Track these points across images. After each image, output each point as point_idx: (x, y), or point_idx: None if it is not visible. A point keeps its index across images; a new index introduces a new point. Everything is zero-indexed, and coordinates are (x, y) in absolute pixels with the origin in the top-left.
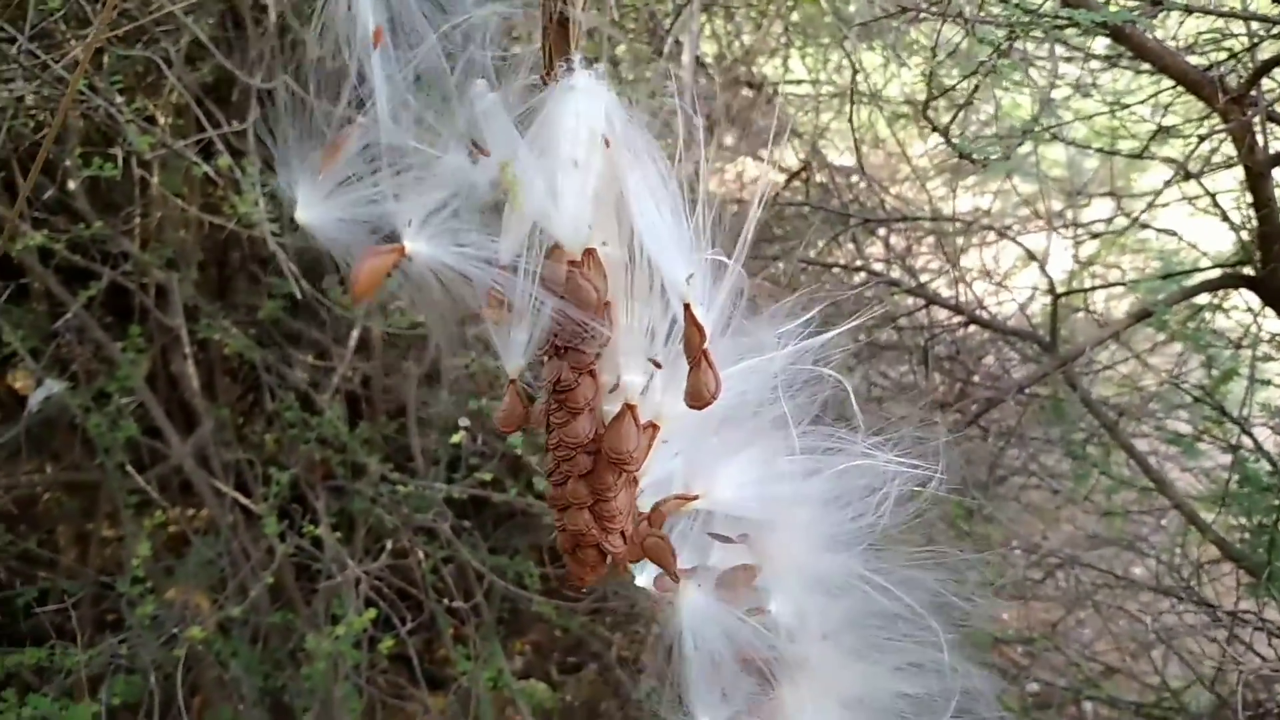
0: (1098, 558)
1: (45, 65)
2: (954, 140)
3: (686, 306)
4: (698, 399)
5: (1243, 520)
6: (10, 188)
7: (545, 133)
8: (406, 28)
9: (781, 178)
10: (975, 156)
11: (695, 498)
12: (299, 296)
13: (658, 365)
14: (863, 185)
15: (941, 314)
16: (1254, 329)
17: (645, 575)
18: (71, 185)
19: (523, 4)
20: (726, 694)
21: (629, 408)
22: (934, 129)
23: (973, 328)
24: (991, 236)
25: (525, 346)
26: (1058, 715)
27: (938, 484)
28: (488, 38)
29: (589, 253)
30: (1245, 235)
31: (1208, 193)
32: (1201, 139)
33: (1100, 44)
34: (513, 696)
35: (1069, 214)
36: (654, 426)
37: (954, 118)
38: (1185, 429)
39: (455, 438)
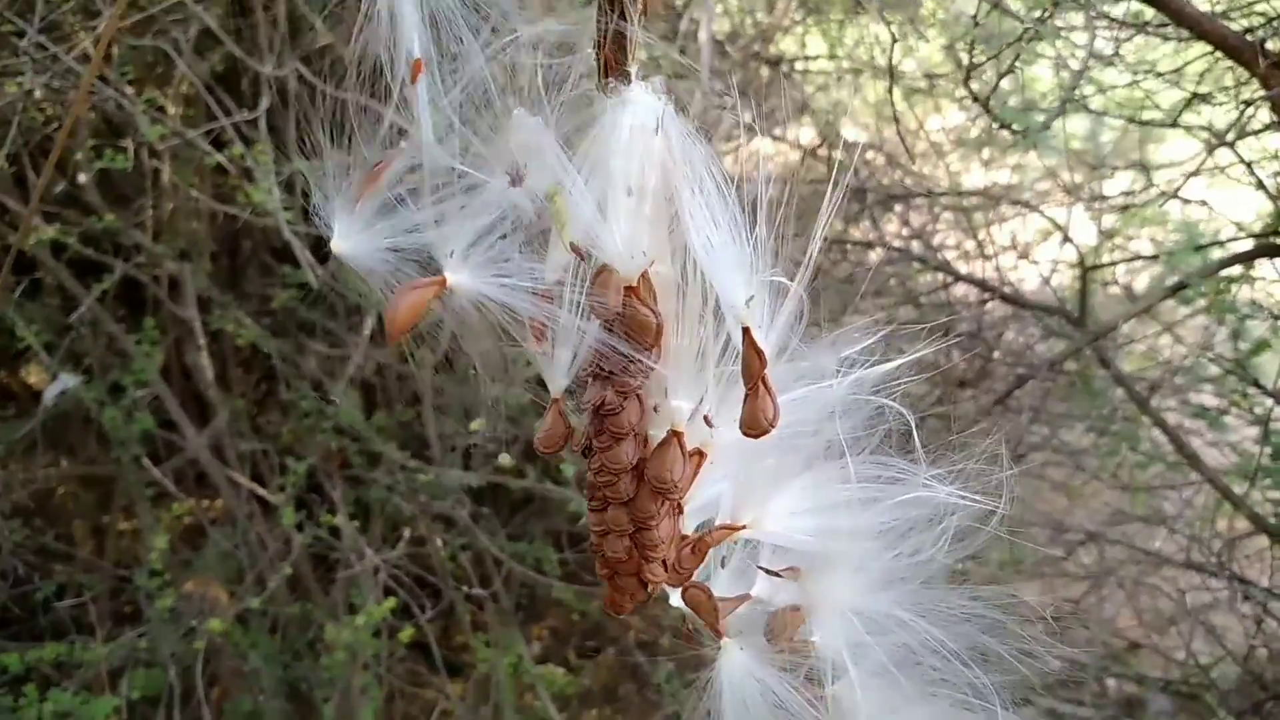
0: (1122, 534)
1: (55, 57)
2: (994, 111)
3: (746, 331)
4: (755, 427)
5: (1274, 494)
6: (21, 181)
7: (597, 150)
8: (453, 43)
9: (797, 155)
10: (1014, 126)
11: (742, 527)
12: (314, 285)
13: (709, 424)
14: (881, 162)
15: (961, 291)
16: None
17: (676, 597)
18: (83, 179)
19: (574, 22)
20: None
21: (675, 434)
22: (974, 99)
23: (993, 304)
24: (1012, 211)
25: (569, 365)
26: (1082, 693)
27: (1000, 520)
28: (538, 57)
29: (644, 275)
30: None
31: (1243, 160)
32: (1246, 105)
33: (1130, 10)
34: (531, 682)
35: (1091, 187)
36: (700, 454)
37: (993, 88)
38: (1211, 403)
39: (474, 425)
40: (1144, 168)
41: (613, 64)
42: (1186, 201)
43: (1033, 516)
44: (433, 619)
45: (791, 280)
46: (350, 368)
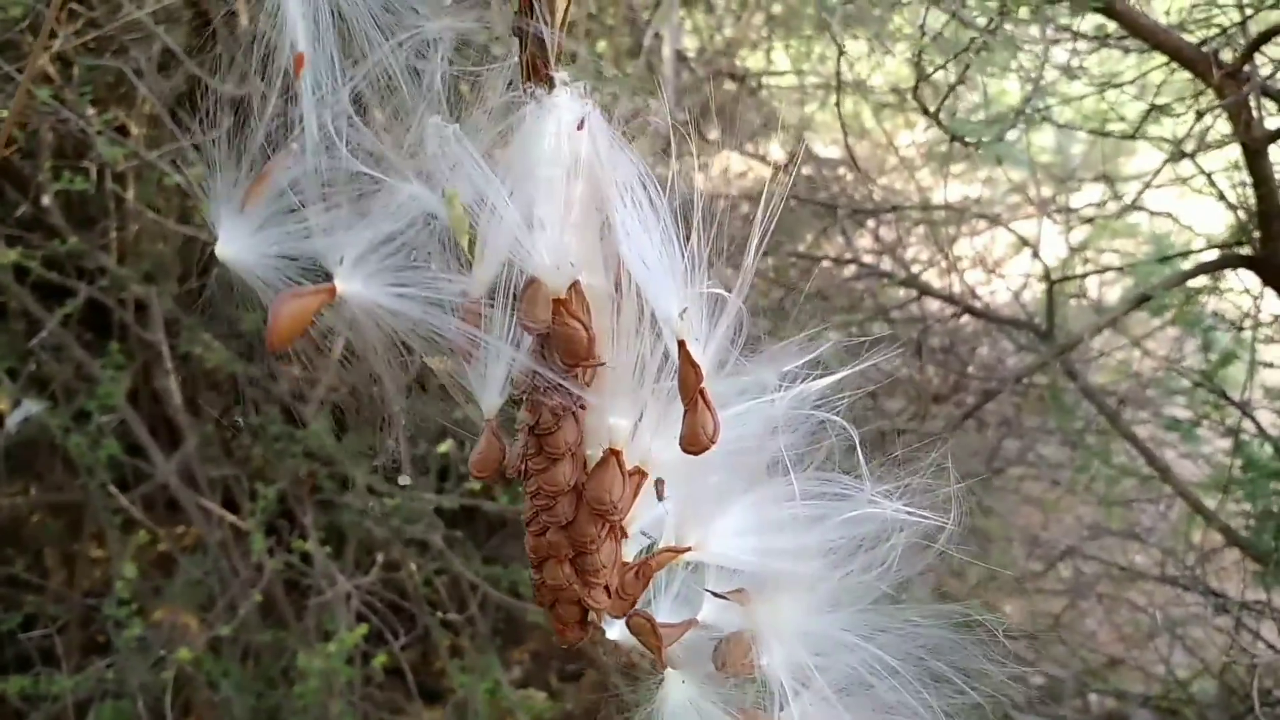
0: (1099, 548)
1: (9, 77)
2: (944, 123)
3: (681, 344)
4: (694, 443)
5: (1246, 506)
6: None
7: (521, 158)
8: (356, 36)
9: (768, 171)
10: (967, 139)
11: (687, 550)
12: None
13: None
14: (850, 177)
15: (934, 305)
16: (1253, 311)
17: (616, 628)
18: (46, 201)
19: (477, 20)
20: None
21: (613, 453)
22: (924, 112)
23: (966, 319)
24: (982, 225)
25: (502, 383)
26: (1063, 708)
27: (950, 535)
28: (443, 54)
29: (574, 286)
30: (1242, 215)
31: (1203, 172)
32: (1200, 115)
33: (1089, 24)
34: (511, 707)
35: (1059, 199)
36: (640, 473)
37: (944, 99)
38: (1183, 414)
39: (443, 447)
40: (1110, 180)
41: (536, 69)
42: (1154, 214)
43: (1009, 532)
44: (408, 645)
45: (731, 292)
46: (320, 390)
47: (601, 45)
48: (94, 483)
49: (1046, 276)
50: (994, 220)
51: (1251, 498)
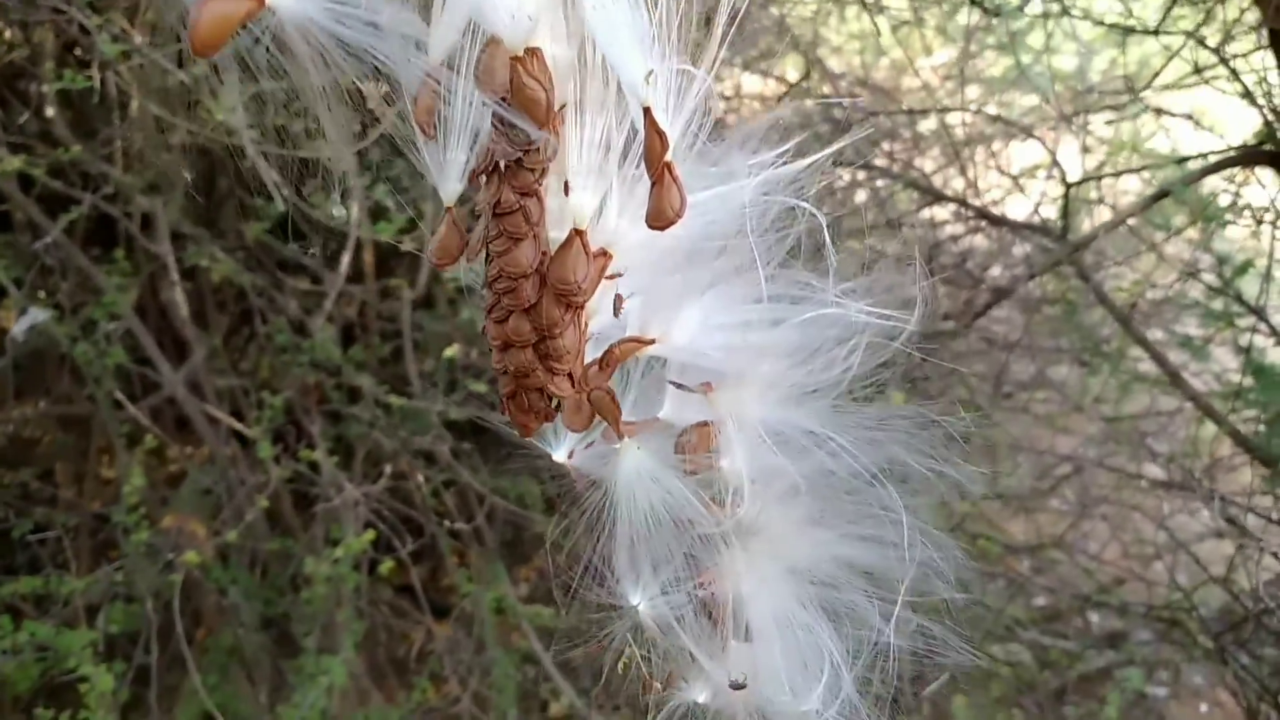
0: (1107, 466)
1: None
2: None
3: (647, 111)
4: (660, 218)
5: (1255, 414)
6: None
7: None
8: None
9: (780, 88)
10: (988, 6)
11: (651, 341)
12: (282, 206)
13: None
14: (866, 95)
15: (946, 217)
16: (1273, 210)
17: (562, 449)
18: (50, 112)
19: None
20: (658, 565)
21: (577, 233)
22: None
23: (979, 238)
24: (998, 143)
25: (462, 167)
26: (1064, 627)
27: (910, 336)
28: None
29: (534, 52)
30: (1268, 114)
31: (1226, 63)
32: None
33: None
34: (517, 620)
35: (1079, 115)
36: (605, 255)
37: None
38: (1196, 333)
39: (449, 352)
40: (1131, 88)
41: None
42: (1174, 115)
43: (1017, 450)
44: (416, 555)
45: (700, 70)
46: (328, 303)
47: None
48: (101, 392)
49: (1064, 180)
50: (1009, 123)
51: (1261, 404)
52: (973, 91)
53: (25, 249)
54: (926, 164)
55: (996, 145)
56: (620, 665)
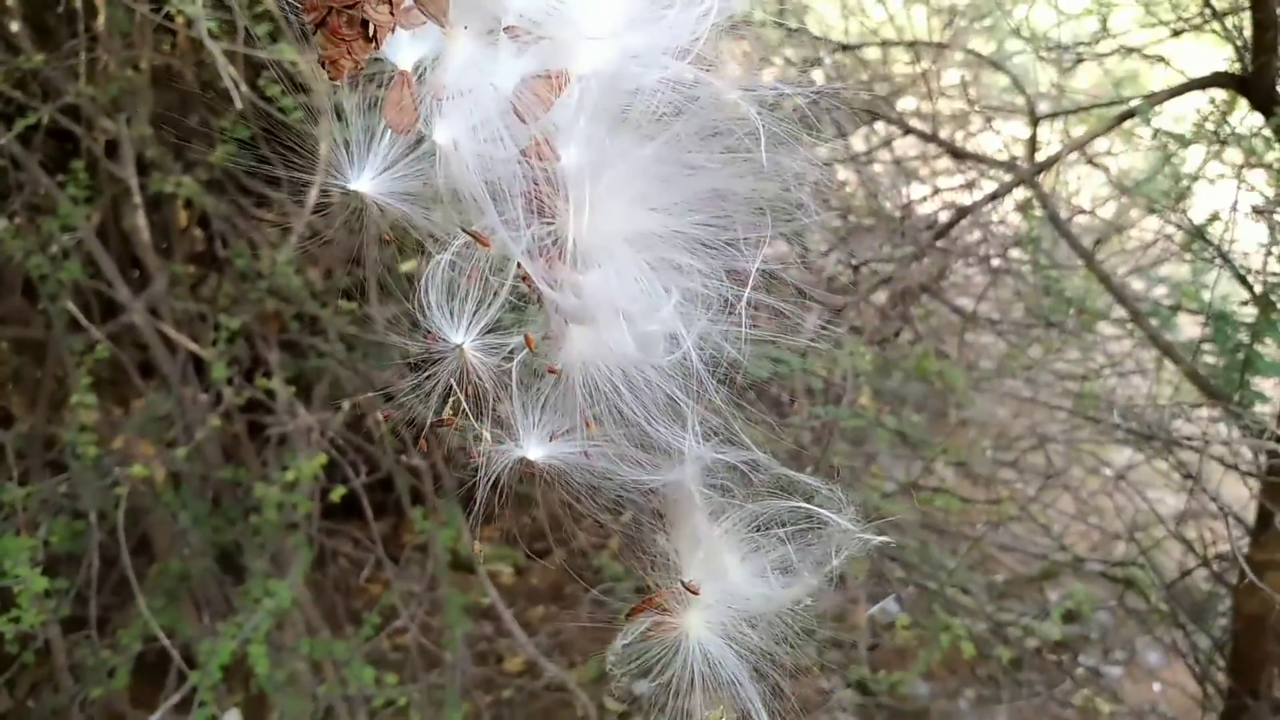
0: (1069, 436)
1: None
2: None
3: None
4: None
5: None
6: None
7: None
8: None
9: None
10: None
11: None
12: (239, 104)
13: None
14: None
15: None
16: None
17: (364, 177)
18: (14, 27)
19: None
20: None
21: None
22: None
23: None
24: (969, 70)
25: None
26: (1023, 601)
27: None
28: None
29: None
30: (1236, 40)
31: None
32: None
33: None
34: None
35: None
36: None
37: None
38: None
39: (406, 266)
40: (1104, 22)
41: None
42: (1146, 57)
43: (983, 427)
44: (378, 506)
45: None
46: (294, 238)
47: None
48: (56, 309)
49: (1031, 113)
50: (979, 56)
51: (1220, 341)
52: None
53: None
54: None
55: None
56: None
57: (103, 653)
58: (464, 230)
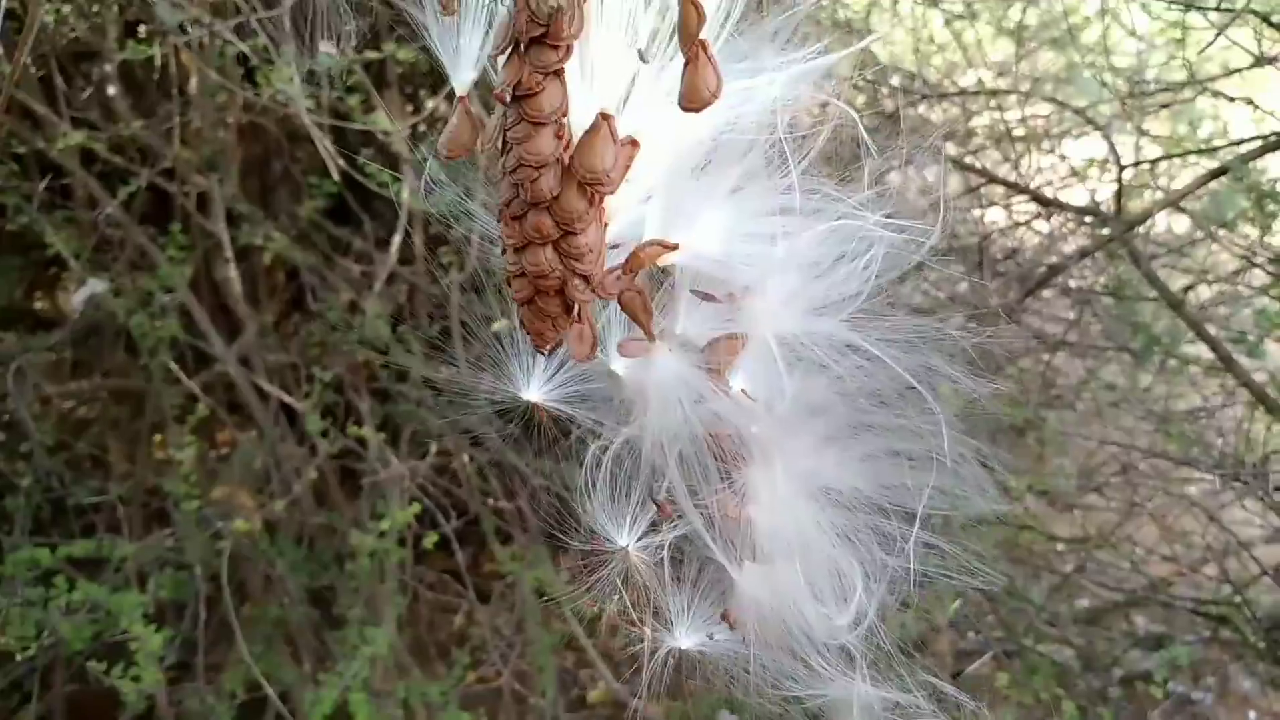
0: (1153, 467)
1: None
2: None
3: None
4: (695, 98)
5: None
6: (47, 84)
7: None
8: None
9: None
10: None
11: (675, 246)
12: (334, 175)
13: (644, 60)
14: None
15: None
16: None
17: (533, 388)
18: (111, 90)
19: None
20: (685, 473)
21: (605, 118)
22: None
23: (1031, 235)
24: (1053, 135)
25: (477, 54)
26: (1109, 628)
27: (930, 249)
28: None
29: None
30: None
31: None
32: None
33: None
34: (558, 607)
35: (1134, 94)
36: (633, 143)
37: None
38: (1251, 331)
39: (497, 325)
40: (1189, 68)
41: None
42: (1230, 99)
43: (1064, 448)
44: (460, 538)
45: None
46: (378, 284)
47: None
48: (155, 363)
49: (1118, 164)
50: (1064, 106)
51: None
52: (1025, 85)
53: (85, 223)
54: (978, 153)
55: (1051, 137)
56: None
57: (207, 698)
58: (651, 499)
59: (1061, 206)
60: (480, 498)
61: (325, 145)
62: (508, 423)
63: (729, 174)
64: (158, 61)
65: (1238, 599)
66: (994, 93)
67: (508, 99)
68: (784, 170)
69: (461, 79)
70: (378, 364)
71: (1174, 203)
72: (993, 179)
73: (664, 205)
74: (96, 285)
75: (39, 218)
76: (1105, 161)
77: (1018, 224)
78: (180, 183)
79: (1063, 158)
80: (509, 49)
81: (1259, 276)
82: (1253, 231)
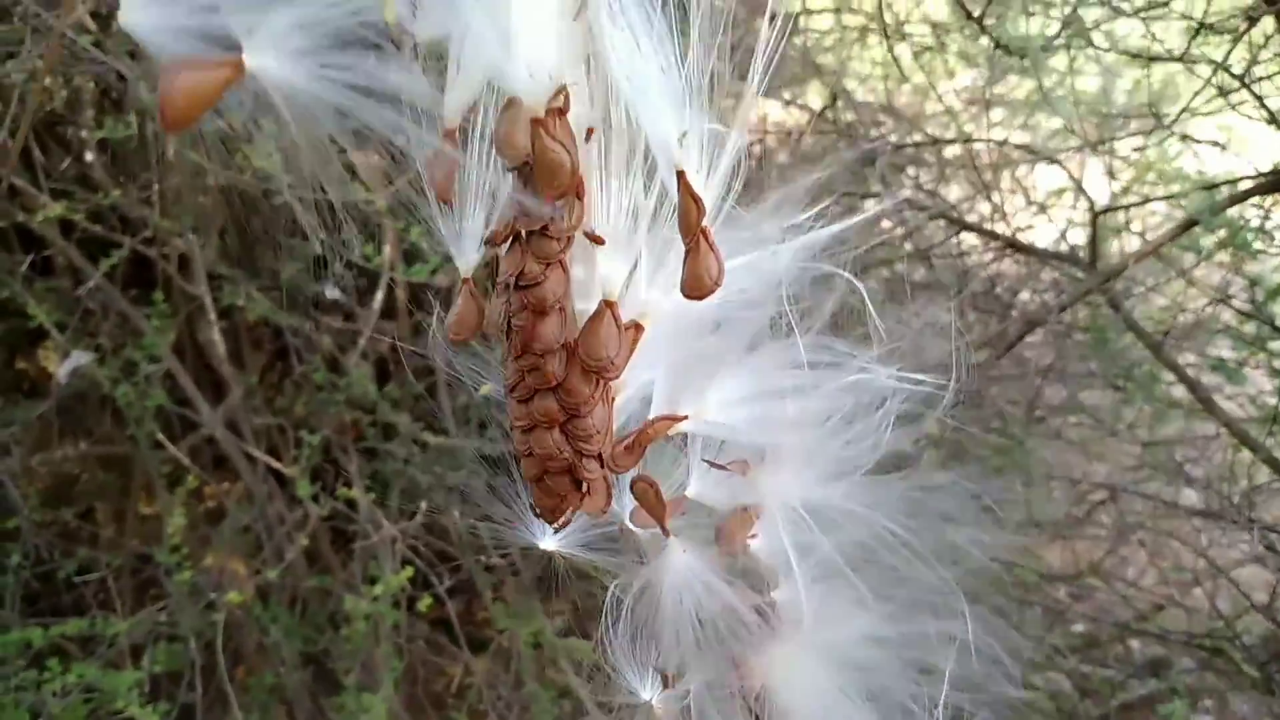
0: (1143, 490)
1: (50, 27)
2: (991, 30)
3: (680, 175)
4: (697, 287)
5: None
6: (25, 156)
7: None
8: None
9: (804, 116)
10: (1012, 48)
11: (684, 418)
12: (318, 250)
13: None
14: (890, 122)
15: (975, 244)
16: None
17: (549, 537)
18: (89, 156)
19: None
20: (698, 660)
21: (608, 304)
22: (968, 17)
23: (1008, 263)
24: (1023, 170)
25: (480, 235)
26: (1105, 654)
27: (950, 405)
28: None
29: (556, 111)
30: None
31: (1252, 93)
32: (1252, 20)
33: None
34: (554, 656)
35: (1103, 138)
36: (637, 327)
37: (987, 3)
38: (1229, 355)
39: (484, 390)
40: (1155, 111)
41: None
42: (1198, 142)
43: (1051, 476)
44: (453, 591)
45: (734, 130)
46: (362, 341)
47: None
48: (142, 433)
49: (1091, 209)
50: (1034, 152)
51: None
52: (997, 114)
53: (67, 293)
54: (953, 190)
55: (1022, 169)
56: None
57: None
58: (658, 672)
59: (1037, 254)
60: (473, 553)
61: (307, 220)
62: (495, 474)
63: (737, 341)
64: (135, 130)
65: (1229, 634)
66: (968, 140)
67: (511, 287)
68: (791, 335)
69: (465, 261)
70: (365, 422)
71: (1149, 253)
72: (967, 226)
73: (671, 377)
74: (81, 357)
75: (21, 291)
76: (1077, 193)
77: (994, 257)
78: (161, 245)
79: (1031, 200)
80: (510, 237)
81: (1232, 306)
82: (1225, 258)
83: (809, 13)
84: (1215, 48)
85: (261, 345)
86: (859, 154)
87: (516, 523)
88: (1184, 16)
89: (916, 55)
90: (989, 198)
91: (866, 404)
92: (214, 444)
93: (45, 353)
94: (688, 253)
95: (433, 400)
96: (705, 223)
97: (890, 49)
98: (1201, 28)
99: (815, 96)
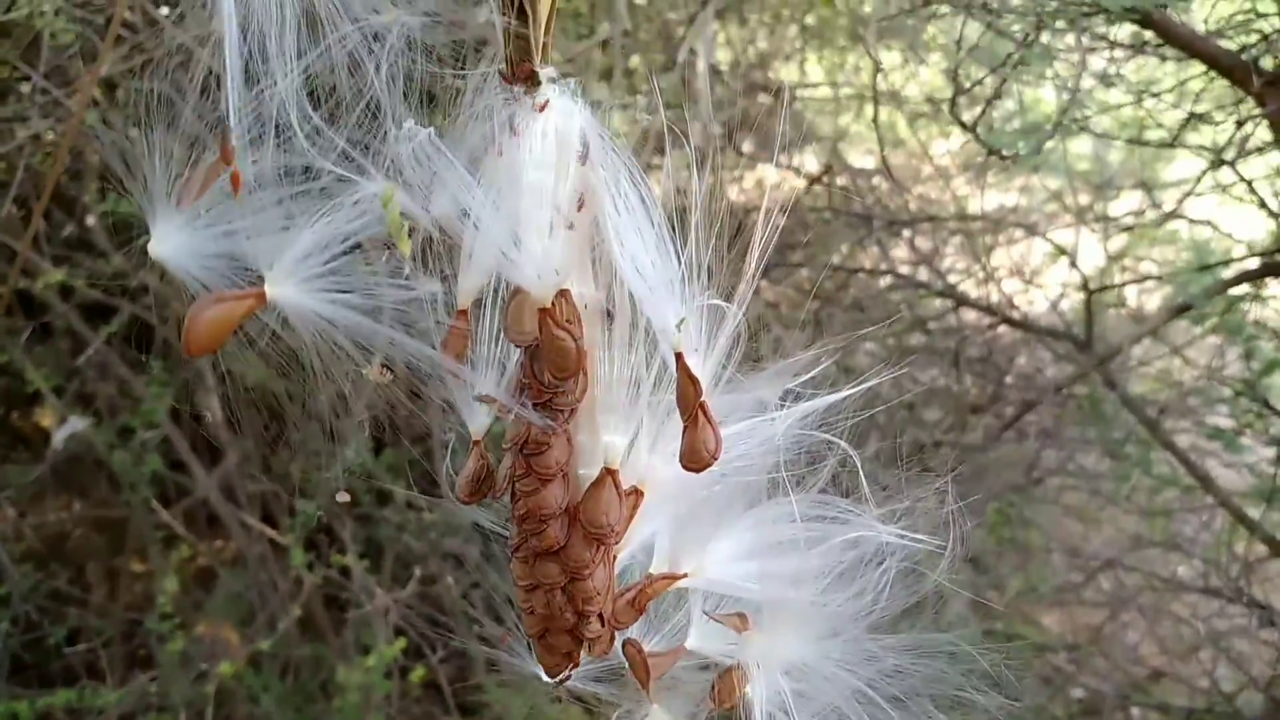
0: (1141, 560)
1: (58, 102)
2: (981, 136)
3: (679, 356)
4: (695, 460)
5: None
6: (27, 220)
7: (507, 161)
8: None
9: (802, 183)
10: (1005, 151)
11: (683, 576)
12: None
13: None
14: (886, 187)
15: (971, 316)
16: None
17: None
18: (91, 221)
19: (426, 14)
20: None
21: (609, 473)
22: (961, 126)
23: (1004, 328)
24: (1019, 234)
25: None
26: None
27: (949, 560)
28: (391, 48)
29: (562, 295)
30: None
31: (1243, 179)
32: (1239, 124)
33: (1125, 32)
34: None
35: (1097, 208)
36: (638, 493)
37: (981, 113)
38: (1225, 424)
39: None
40: (1148, 188)
41: (519, 66)
42: (1193, 222)
43: (1049, 543)
44: (445, 659)
45: (732, 306)
46: (358, 407)
47: (635, 61)
48: (137, 498)
49: (1085, 286)
50: (1030, 229)
51: None
52: (993, 176)
53: (65, 357)
54: (948, 256)
55: (1017, 236)
56: None
57: None
58: None
59: (1033, 330)
60: (466, 621)
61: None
62: (488, 543)
63: (736, 501)
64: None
65: (1229, 709)
66: (963, 217)
67: (516, 453)
68: (791, 498)
69: (476, 424)
70: (360, 488)
71: (1142, 337)
72: (965, 303)
73: (671, 536)
74: (77, 424)
75: (20, 356)
76: (1070, 266)
77: (990, 326)
78: (160, 310)
79: (1025, 280)
80: (516, 409)
81: (1227, 384)
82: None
83: (806, 85)
84: (1205, 136)
85: (259, 409)
86: (854, 225)
87: (519, 654)
88: (1174, 106)
89: (911, 121)
90: (983, 268)
91: (867, 560)
92: (209, 505)
93: (42, 410)
94: (686, 427)
95: (428, 464)
96: (703, 397)
97: (875, 120)
98: (1192, 117)
99: (812, 158)
